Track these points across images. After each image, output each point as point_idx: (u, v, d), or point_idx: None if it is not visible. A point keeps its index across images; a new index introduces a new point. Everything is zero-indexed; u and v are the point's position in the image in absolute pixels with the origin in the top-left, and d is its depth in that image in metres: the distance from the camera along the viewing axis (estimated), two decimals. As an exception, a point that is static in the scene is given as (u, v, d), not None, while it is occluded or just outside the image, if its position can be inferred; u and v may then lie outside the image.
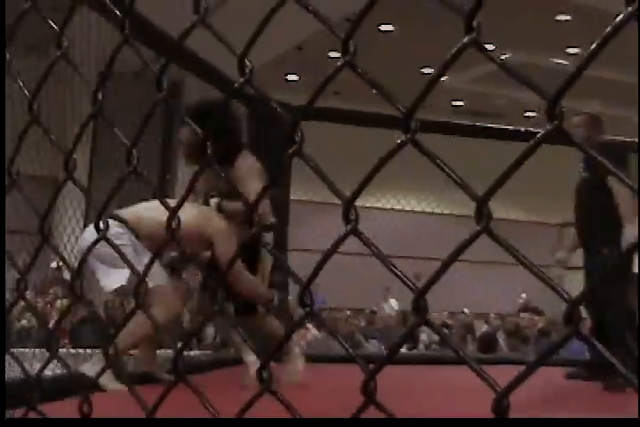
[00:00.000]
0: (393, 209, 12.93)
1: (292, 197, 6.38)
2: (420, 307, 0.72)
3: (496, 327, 11.08)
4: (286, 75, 15.20)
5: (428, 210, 13.00)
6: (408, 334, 0.78)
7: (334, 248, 0.79)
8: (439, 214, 13.83)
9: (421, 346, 9.99)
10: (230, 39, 0.91)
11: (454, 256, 0.70)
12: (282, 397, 0.83)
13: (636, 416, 1.90)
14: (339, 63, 0.81)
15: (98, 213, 1.05)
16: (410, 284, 0.72)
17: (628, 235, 4.22)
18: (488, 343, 8.47)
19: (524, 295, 13.26)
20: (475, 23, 0.70)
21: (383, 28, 14.12)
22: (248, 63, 0.89)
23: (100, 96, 1.07)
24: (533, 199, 17.06)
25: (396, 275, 0.75)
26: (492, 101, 17.01)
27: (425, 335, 10.16)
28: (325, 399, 3.53)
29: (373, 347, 9.27)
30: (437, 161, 0.71)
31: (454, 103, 17.84)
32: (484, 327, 11.31)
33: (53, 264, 8.98)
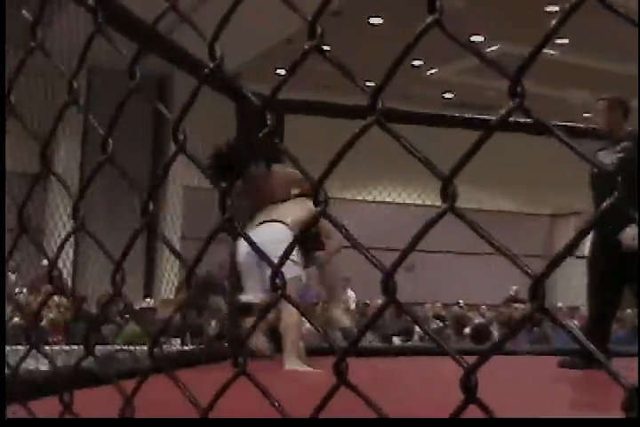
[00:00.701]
0: (382, 202, 12.96)
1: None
2: (388, 288, 0.72)
3: (490, 319, 11.12)
4: (276, 69, 15.16)
5: (419, 202, 13.03)
6: (376, 317, 0.78)
7: (306, 230, 0.79)
8: (428, 206, 13.84)
9: (416, 337, 10.01)
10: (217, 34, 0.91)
11: (420, 236, 0.70)
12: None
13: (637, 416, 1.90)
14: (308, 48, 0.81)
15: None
16: (378, 264, 0.73)
17: (627, 233, 4.21)
18: (482, 335, 8.49)
19: (514, 288, 13.28)
20: (437, 4, 0.70)
21: (373, 20, 14.12)
22: (218, 49, 0.89)
23: (75, 84, 1.07)
24: (525, 191, 17.10)
25: (366, 256, 0.76)
26: (482, 93, 17.02)
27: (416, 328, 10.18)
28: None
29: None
30: (402, 141, 0.71)
31: (445, 95, 17.85)
32: (479, 319, 11.33)
33: (45, 261, 8.96)
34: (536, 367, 4.84)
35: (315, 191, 0.77)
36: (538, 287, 0.64)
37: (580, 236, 0.63)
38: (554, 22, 0.64)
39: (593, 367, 4.12)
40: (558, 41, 14.89)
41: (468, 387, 0.68)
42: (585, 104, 16.58)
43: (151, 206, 0.97)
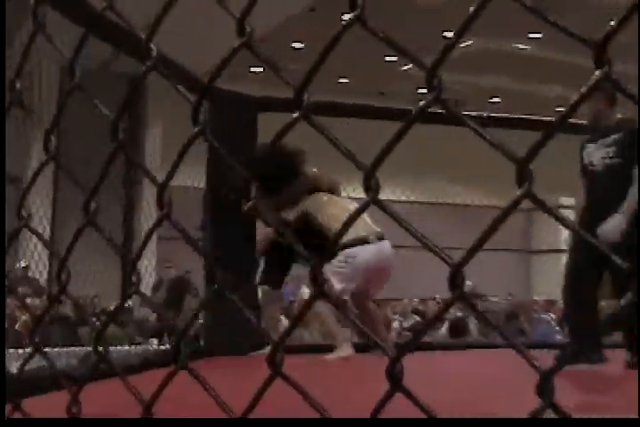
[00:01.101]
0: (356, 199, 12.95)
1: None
2: (317, 278, 0.74)
3: (467, 313, 11.15)
4: (250, 67, 15.17)
5: (403, 198, 13.08)
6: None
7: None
8: (410, 202, 13.92)
9: (392, 334, 10.05)
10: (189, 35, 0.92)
11: (345, 227, 0.71)
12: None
13: (637, 416, 1.92)
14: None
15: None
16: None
17: (607, 226, 3.96)
18: (459, 328, 8.54)
19: (469, 282, 13.19)
20: (359, 1, 0.72)
21: (346, 17, 14.13)
22: (153, 47, 0.90)
23: (18, 85, 1.07)
24: (501, 184, 17.14)
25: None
26: (455, 88, 17.08)
27: (397, 323, 10.22)
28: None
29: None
30: (326, 133, 0.72)
31: (420, 91, 17.91)
32: (457, 313, 11.37)
33: (22, 263, 8.93)
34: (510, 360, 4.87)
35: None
36: (457, 276, 0.65)
37: (496, 224, 0.64)
38: (471, 10, 0.65)
39: (580, 362, 3.98)
40: (531, 35, 14.98)
41: (393, 374, 0.69)
42: (558, 98, 16.69)
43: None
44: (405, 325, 9.86)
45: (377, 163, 0.70)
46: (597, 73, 0.58)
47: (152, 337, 7.45)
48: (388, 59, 15.71)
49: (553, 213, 0.62)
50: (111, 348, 5.49)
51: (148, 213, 10.30)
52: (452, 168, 15.39)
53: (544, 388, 0.61)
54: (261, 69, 15.58)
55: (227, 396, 0.89)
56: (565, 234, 15.75)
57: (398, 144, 0.70)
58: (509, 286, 14.84)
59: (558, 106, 16.46)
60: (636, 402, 1.87)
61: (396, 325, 10.15)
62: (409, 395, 0.69)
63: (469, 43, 14.67)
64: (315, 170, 5.20)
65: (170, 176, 0.88)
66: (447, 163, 14.62)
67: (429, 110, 0.71)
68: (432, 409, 0.68)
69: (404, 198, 12.50)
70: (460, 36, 0.66)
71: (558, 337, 9.76)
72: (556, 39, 14.41)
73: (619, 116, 4.33)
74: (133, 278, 0.93)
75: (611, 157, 4.24)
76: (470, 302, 0.66)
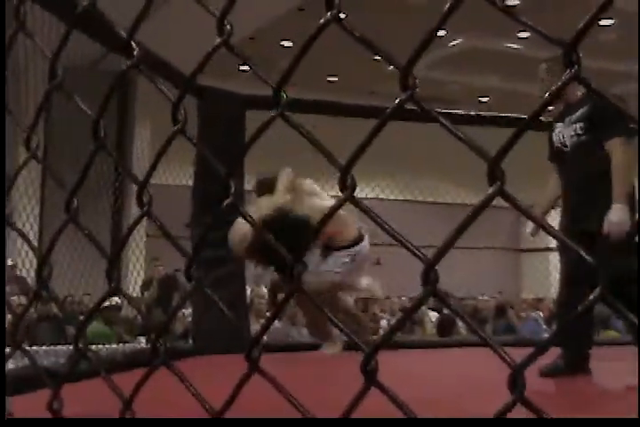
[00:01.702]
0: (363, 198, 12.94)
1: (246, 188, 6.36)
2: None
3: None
4: (239, 65, 15.16)
5: (391, 197, 13.10)
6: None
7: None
8: (401, 201, 13.95)
9: (381, 332, 10.05)
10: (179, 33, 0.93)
11: (322, 225, 0.72)
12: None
13: (636, 416, 1.92)
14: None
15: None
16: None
17: (613, 217, 3.55)
18: (446, 327, 8.57)
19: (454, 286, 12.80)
20: (335, 1, 0.72)
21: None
22: (134, 45, 0.91)
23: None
24: (484, 183, 17.14)
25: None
26: (446, 87, 17.10)
27: (385, 322, 10.22)
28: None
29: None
30: (302, 131, 0.73)
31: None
32: (444, 311, 11.39)
33: (9, 262, 8.91)
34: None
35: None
36: (429, 272, 0.66)
37: (468, 222, 0.65)
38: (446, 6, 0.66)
39: (578, 372, 3.73)
40: (520, 34, 15.01)
41: (368, 370, 0.70)
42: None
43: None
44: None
45: (351, 161, 0.70)
46: (567, 72, 0.59)
47: (140, 335, 7.44)
48: (376, 57, 15.71)
49: (524, 211, 0.63)
50: (99, 346, 5.48)
51: (137, 212, 10.27)
52: (442, 167, 15.42)
53: (515, 383, 0.62)
54: (249, 68, 15.57)
55: (210, 394, 0.90)
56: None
57: (390, 143, 0.71)
58: (498, 284, 14.88)
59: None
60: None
61: (384, 323, 10.15)
62: (383, 390, 0.70)
63: (459, 42, 14.69)
64: (289, 170, 5.27)
65: (149, 174, 0.89)
66: (438, 162, 14.66)
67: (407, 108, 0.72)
68: (406, 405, 0.69)
69: (400, 198, 12.56)
70: (434, 34, 0.67)
71: (546, 335, 9.80)
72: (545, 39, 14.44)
73: (581, 90, 3.93)
74: (113, 277, 0.94)
75: (578, 135, 3.86)
76: (443, 299, 0.67)
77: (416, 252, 0.68)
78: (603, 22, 13.71)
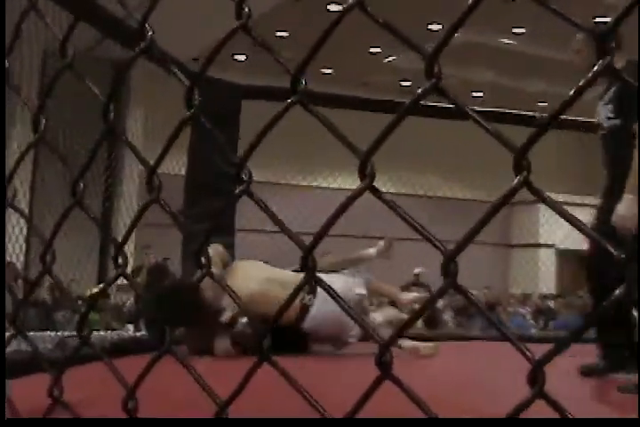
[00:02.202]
0: (347, 189, 12.97)
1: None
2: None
3: (444, 305, 11.17)
4: (233, 55, 15.11)
5: (383, 190, 13.08)
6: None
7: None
8: (392, 194, 13.91)
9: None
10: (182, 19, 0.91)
11: (337, 214, 0.71)
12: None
13: (636, 416, 1.91)
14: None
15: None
16: (299, 243, 0.73)
17: (620, 209, 3.23)
18: (433, 320, 8.58)
19: (417, 270, 12.65)
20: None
21: (331, 7, 14.10)
22: (148, 28, 0.89)
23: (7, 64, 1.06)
24: (480, 178, 17.22)
25: (291, 237, 0.76)
26: (441, 81, 17.09)
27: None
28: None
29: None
30: (323, 120, 0.72)
31: (403, 83, 17.91)
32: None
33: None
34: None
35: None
36: (450, 264, 0.65)
37: (491, 215, 0.64)
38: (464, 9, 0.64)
39: (617, 371, 3.54)
40: (515, 30, 15.01)
41: (383, 362, 0.69)
42: (541, 93, 16.76)
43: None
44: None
45: (372, 150, 0.69)
46: (600, 62, 0.58)
47: (128, 323, 7.42)
48: (372, 50, 15.69)
49: (548, 202, 0.62)
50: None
51: (128, 197, 10.24)
52: (432, 161, 15.43)
53: (535, 378, 0.61)
54: (244, 58, 15.54)
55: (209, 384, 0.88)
56: (542, 228, 15.82)
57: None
58: (487, 279, 14.90)
59: (540, 101, 16.53)
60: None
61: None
62: (398, 383, 0.69)
63: (455, 36, 14.66)
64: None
65: (160, 158, 0.87)
66: (429, 156, 14.66)
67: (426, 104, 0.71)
68: (421, 399, 0.68)
69: (393, 191, 12.54)
70: (459, 25, 0.66)
71: (533, 330, 9.83)
72: (541, 35, 14.46)
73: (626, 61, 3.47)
74: (120, 261, 0.92)
75: (609, 118, 3.52)
76: (464, 290, 0.66)
77: (437, 244, 0.67)
78: (599, 20, 13.72)
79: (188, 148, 5.69)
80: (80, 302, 8.86)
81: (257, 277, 4.41)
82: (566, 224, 0.62)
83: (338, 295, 0.73)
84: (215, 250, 4.37)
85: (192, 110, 0.83)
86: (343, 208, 0.71)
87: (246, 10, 0.80)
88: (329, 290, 0.73)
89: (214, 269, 3.61)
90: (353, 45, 14.48)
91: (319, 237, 0.72)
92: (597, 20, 13.77)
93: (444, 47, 0.67)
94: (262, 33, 0.81)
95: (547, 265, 16.28)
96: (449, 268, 0.65)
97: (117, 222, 9.71)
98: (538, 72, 16.27)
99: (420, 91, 0.68)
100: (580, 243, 3.69)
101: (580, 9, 12.10)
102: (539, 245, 17.37)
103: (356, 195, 0.70)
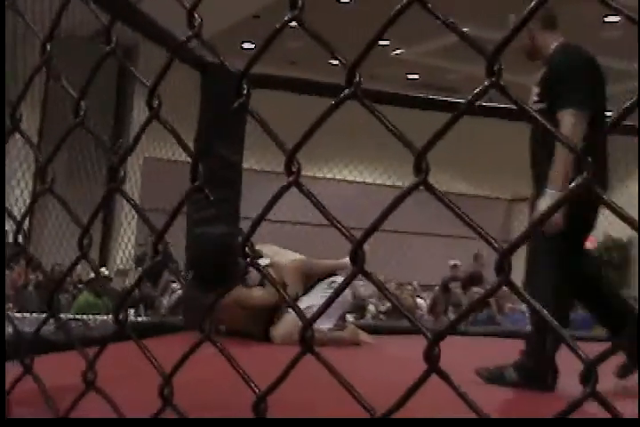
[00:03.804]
0: (344, 180, 12.99)
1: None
2: (357, 258, 0.74)
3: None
4: (242, 43, 15.07)
5: (379, 182, 13.09)
6: (343, 288, 0.80)
7: (272, 202, 0.80)
8: (389, 186, 13.93)
9: (369, 316, 10.08)
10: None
11: (391, 208, 0.72)
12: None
13: (636, 416, 1.92)
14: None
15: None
16: (348, 234, 0.74)
17: (540, 204, 2.94)
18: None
19: (452, 262, 12.56)
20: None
21: (342, -1, 14.09)
22: (197, 17, 0.89)
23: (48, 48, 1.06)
24: (484, 174, 17.24)
25: (336, 226, 0.77)
26: (446, 76, 17.08)
27: (372, 306, 10.25)
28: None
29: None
30: (377, 115, 0.72)
31: (409, 76, 17.89)
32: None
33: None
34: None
35: (287, 161, 0.78)
36: (504, 261, 0.66)
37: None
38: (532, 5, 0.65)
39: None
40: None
41: (431, 357, 0.69)
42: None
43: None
44: (382, 309, 9.90)
45: (429, 145, 0.70)
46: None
47: (130, 307, 7.44)
48: (380, 42, 15.65)
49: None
50: (90, 317, 5.49)
51: (132, 182, 10.26)
52: (439, 156, 15.41)
53: (588, 377, 0.62)
54: (253, 46, 15.51)
55: (207, 371, 0.89)
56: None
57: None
58: (488, 274, 14.93)
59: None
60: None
61: (371, 308, 10.19)
62: (445, 377, 0.69)
63: (466, 30, 14.65)
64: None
65: (205, 149, 0.87)
66: (435, 151, 14.64)
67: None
68: (468, 395, 0.69)
69: (389, 183, 12.52)
70: (524, 23, 0.66)
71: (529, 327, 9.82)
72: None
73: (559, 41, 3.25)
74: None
75: (534, 101, 3.18)
76: (516, 288, 0.66)
77: (490, 240, 0.67)
78: (608, 19, 13.71)
79: (195, 136, 5.68)
80: (72, 286, 8.88)
81: (291, 254, 4.76)
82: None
83: (387, 289, 0.73)
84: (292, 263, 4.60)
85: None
86: (397, 202, 0.71)
87: (300, 1, 0.80)
88: (377, 283, 0.74)
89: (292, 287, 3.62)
90: (360, 37, 14.45)
91: (370, 231, 0.73)
92: (607, 19, 13.76)
93: (505, 48, 0.67)
94: (271, 23, 0.81)
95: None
96: (503, 265, 0.66)
97: (123, 207, 9.76)
98: (537, 67, 16.25)
99: (478, 89, 0.68)
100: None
101: (590, 8, 12.09)
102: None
103: (411, 189, 0.70)
